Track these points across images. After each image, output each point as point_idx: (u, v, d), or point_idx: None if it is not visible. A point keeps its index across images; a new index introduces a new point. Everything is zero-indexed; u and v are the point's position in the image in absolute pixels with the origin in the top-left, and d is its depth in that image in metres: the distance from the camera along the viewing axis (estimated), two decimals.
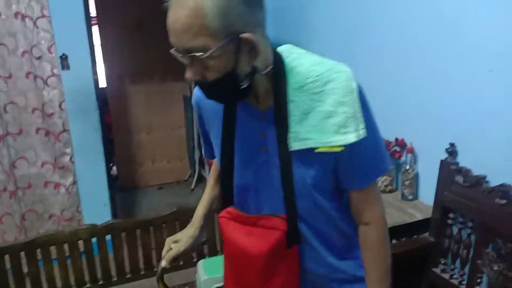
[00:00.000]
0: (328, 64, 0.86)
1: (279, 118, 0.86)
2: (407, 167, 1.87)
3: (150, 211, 3.62)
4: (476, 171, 1.52)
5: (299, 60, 0.87)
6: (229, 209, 1.00)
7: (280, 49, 0.90)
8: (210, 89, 0.85)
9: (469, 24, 1.53)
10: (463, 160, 1.61)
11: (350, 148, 0.84)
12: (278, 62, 0.86)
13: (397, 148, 1.94)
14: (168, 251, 1.14)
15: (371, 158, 0.90)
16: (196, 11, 0.72)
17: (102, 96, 3.46)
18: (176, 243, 1.16)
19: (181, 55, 0.79)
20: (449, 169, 1.61)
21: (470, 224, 1.53)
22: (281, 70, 0.86)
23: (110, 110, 4.34)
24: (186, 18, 0.73)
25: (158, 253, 2.00)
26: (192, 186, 4.54)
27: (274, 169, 0.89)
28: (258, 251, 0.91)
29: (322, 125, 0.84)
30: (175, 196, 4.29)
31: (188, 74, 0.82)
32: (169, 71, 4.46)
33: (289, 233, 0.91)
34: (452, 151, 1.63)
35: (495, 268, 1.39)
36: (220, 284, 1.81)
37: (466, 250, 1.54)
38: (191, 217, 2.01)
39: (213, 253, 2.10)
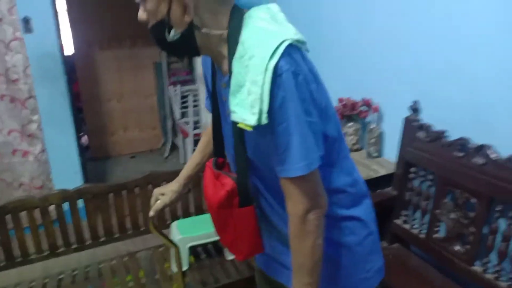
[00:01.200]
0: (262, 37, 0.81)
1: (229, 87, 0.85)
2: (373, 126, 1.93)
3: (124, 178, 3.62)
4: (437, 127, 1.59)
5: (250, 29, 0.84)
6: (217, 158, 1.05)
7: (248, 14, 0.86)
8: (152, 35, 0.88)
9: None
10: (425, 117, 1.67)
11: (261, 130, 0.81)
12: (235, 28, 0.84)
13: (364, 108, 1.99)
14: (155, 202, 1.23)
15: (285, 150, 0.82)
16: None
17: (69, 63, 3.37)
18: (162, 195, 1.24)
19: None
20: (411, 125, 1.67)
21: (430, 177, 1.61)
22: (234, 37, 0.84)
23: (79, 78, 4.23)
24: None
25: (132, 218, 2.03)
26: (166, 154, 4.53)
27: (230, 129, 0.92)
28: (211, 202, 0.99)
29: (244, 100, 0.81)
30: (148, 165, 4.27)
31: (139, 13, 0.87)
32: (139, 37, 4.35)
33: (240, 194, 0.94)
34: (415, 108, 1.69)
35: (452, 216, 1.48)
36: (194, 243, 1.86)
37: (426, 202, 1.62)
38: (165, 180, 2.05)
39: (186, 214, 2.13)
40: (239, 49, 0.82)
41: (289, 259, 0.92)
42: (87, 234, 1.94)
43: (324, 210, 0.88)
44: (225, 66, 0.88)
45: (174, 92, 4.20)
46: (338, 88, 2.15)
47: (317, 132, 0.84)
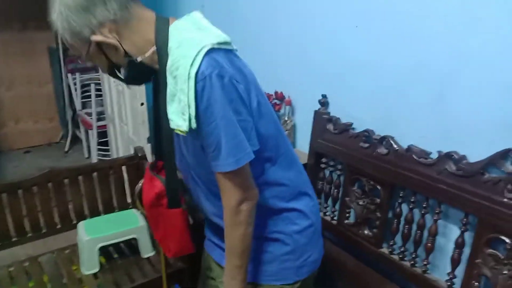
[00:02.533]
0: (184, 46, 0.87)
1: (161, 97, 0.92)
2: (286, 118, 1.98)
3: (17, 176, 3.27)
4: (344, 119, 1.68)
5: (175, 40, 0.89)
6: (157, 161, 1.14)
7: (173, 26, 0.92)
8: (113, 77, 1.00)
9: None
10: (333, 110, 1.76)
11: (193, 134, 0.88)
12: (161, 42, 0.90)
13: (277, 101, 2.04)
14: None
15: (215, 148, 0.88)
16: (58, 30, 0.90)
17: None
18: None
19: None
20: (321, 118, 1.75)
21: (339, 167, 1.71)
22: (161, 51, 0.90)
23: None
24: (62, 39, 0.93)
25: (31, 219, 1.84)
26: (66, 148, 4.20)
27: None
28: (145, 201, 1.09)
29: (177, 108, 0.88)
30: (46, 160, 3.93)
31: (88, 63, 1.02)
32: (31, 19, 3.94)
33: (168, 197, 1.04)
34: (324, 102, 1.77)
35: (360, 203, 1.59)
36: (105, 243, 1.75)
37: (336, 190, 1.72)
38: (67, 178, 1.89)
39: (94, 213, 2.00)
40: (169, 61, 0.88)
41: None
42: None
43: (255, 202, 0.96)
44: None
45: (73, 80, 3.89)
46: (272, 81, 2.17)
47: (248, 129, 0.90)
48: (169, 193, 1.03)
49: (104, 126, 3.44)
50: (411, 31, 1.40)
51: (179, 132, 0.89)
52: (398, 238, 1.47)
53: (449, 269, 1.32)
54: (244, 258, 1.00)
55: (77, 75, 3.86)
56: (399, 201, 1.46)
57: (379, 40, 1.51)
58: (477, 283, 1.24)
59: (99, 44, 0.90)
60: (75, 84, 3.89)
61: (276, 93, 2.03)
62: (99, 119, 3.65)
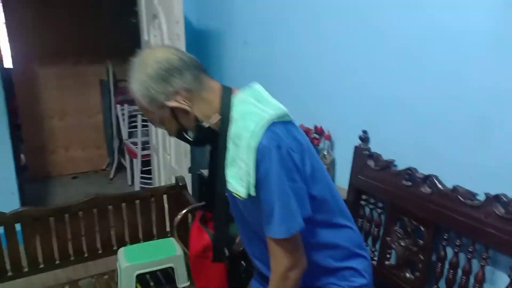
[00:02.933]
0: (247, 118, 0.95)
1: (220, 160, 1.01)
2: (325, 152, 1.97)
3: (64, 201, 3.42)
4: (386, 156, 1.65)
5: (238, 112, 0.99)
6: (205, 212, 1.29)
7: (236, 97, 1.03)
8: (181, 140, 1.11)
9: (376, 18, 1.65)
10: (374, 146, 1.74)
11: (251, 197, 0.94)
12: (226, 111, 1.01)
13: (316, 135, 2.04)
14: None
15: (269, 216, 0.94)
16: (135, 96, 1.02)
17: (8, 78, 3.17)
18: None
19: None
20: (362, 154, 1.73)
21: (380, 205, 1.67)
22: (225, 120, 1.00)
23: (17, 94, 3.99)
24: (134, 98, 1.04)
25: (75, 243, 1.91)
26: (111, 175, 4.36)
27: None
28: (191, 250, 1.22)
29: (236, 174, 0.96)
30: (92, 186, 4.09)
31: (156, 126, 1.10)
32: (84, 53, 4.22)
33: (214, 251, 1.12)
34: (364, 137, 1.76)
35: (402, 244, 1.53)
36: (142, 271, 1.78)
37: (377, 229, 1.67)
38: (111, 204, 1.96)
39: (134, 240, 2.04)
40: (231, 128, 0.98)
41: None
42: (24, 261, 1.80)
43: (302, 270, 1.00)
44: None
45: (121, 111, 4.08)
46: (291, 114, 2.19)
47: (301, 196, 0.96)
48: (215, 248, 1.11)
49: (148, 155, 3.55)
50: (448, 63, 1.38)
51: (236, 196, 0.96)
52: (442, 283, 1.40)
53: None
54: None
55: (126, 106, 4.04)
56: (444, 243, 1.39)
57: (420, 73, 1.49)
58: None
59: (172, 109, 1.00)
60: (123, 114, 4.07)
61: (315, 127, 2.03)
62: (143, 149, 3.79)
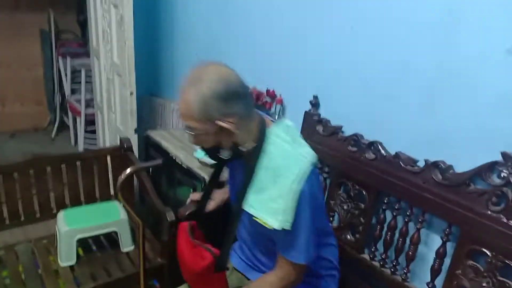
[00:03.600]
0: (289, 161, 1.08)
1: (245, 179, 1.12)
2: (276, 117, 1.96)
3: (1, 161, 3.21)
4: (335, 122, 1.66)
5: (276, 146, 1.10)
6: (191, 223, 1.32)
7: (274, 127, 1.14)
8: (207, 154, 1.19)
9: None
10: (324, 112, 1.74)
11: (277, 230, 1.07)
12: (261, 140, 1.11)
13: (268, 99, 2.01)
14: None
15: (291, 244, 1.11)
16: (186, 104, 1.04)
17: None
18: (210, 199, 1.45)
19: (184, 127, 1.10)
20: (311, 119, 1.73)
21: (326, 170, 1.69)
22: (260, 147, 1.11)
23: None
24: (182, 106, 1.06)
25: (10, 206, 1.80)
26: (53, 134, 4.13)
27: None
28: (189, 267, 1.24)
29: (266, 204, 1.08)
30: (31, 145, 3.86)
31: (189, 139, 1.12)
32: (22, 0, 3.86)
33: (217, 263, 1.20)
34: (315, 103, 1.75)
35: (345, 207, 1.57)
36: (84, 235, 1.72)
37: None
38: (50, 165, 1.85)
39: (75, 203, 1.96)
40: (265, 160, 1.09)
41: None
42: None
43: (299, 283, 1.20)
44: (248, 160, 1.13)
45: (63, 65, 3.83)
46: (245, 76, 2.14)
47: (315, 233, 1.14)
48: (220, 262, 1.20)
49: (93, 114, 3.38)
50: (401, 35, 1.38)
51: (260, 222, 1.08)
52: (380, 245, 1.46)
53: (428, 279, 1.31)
54: None
55: (68, 59, 3.79)
56: (384, 207, 1.44)
57: (373, 42, 1.49)
58: None
59: (218, 128, 1.05)
60: (65, 69, 3.82)
61: (267, 91, 2.00)
62: (87, 106, 3.60)
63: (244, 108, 1.07)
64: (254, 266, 1.35)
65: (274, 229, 1.06)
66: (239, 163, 1.20)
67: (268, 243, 1.21)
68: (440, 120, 1.31)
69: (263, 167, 1.09)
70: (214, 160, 1.23)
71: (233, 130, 1.06)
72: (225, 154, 1.12)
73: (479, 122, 1.21)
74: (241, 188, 1.13)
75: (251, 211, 1.10)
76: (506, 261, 1.12)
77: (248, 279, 1.36)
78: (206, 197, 1.41)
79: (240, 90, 1.06)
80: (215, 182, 1.35)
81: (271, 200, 1.06)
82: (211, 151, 1.15)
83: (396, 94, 1.43)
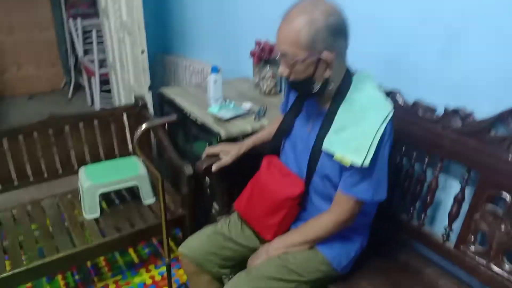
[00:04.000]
0: (376, 102, 1.11)
1: (325, 122, 1.14)
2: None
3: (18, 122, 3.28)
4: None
5: (361, 89, 1.13)
6: (275, 157, 1.33)
7: (356, 75, 1.16)
8: (293, 85, 1.15)
9: None
10: None
11: (354, 166, 1.07)
12: (346, 83, 1.13)
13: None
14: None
15: (360, 181, 1.11)
16: (295, 30, 1.02)
17: None
18: (224, 154, 1.46)
19: (279, 54, 1.08)
20: None
21: None
22: (344, 90, 1.13)
23: None
24: (288, 32, 1.03)
25: (32, 164, 1.85)
26: (70, 95, 4.18)
27: (308, 150, 1.19)
28: (277, 193, 1.23)
29: (348, 141, 1.08)
30: (50, 106, 3.92)
31: (280, 69, 1.10)
32: None
33: (302, 195, 1.22)
34: None
35: None
36: (105, 190, 1.77)
37: None
38: (68, 124, 1.88)
39: (95, 159, 2.01)
40: (348, 101, 1.12)
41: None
42: None
43: (350, 224, 1.19)
44: (327, 104, 1.16)
45: (74, 27, 3.80)
46: (256, 29, 2.09)
47: (387, 177, 1.15)
48: (304, 194, 1.22)
49: (107, 73, 3.39)
50: None
51: (338, 159, 1.08)
52: (398, 193, 1.46)
53: (446, 223, 1.32)
54: (305, 246, 1.22)
55: (79, 20, 3.76)
56: (401, 155, 1.43)
57: None
58: (473, 237, 1.24)
59: (319, 59, 1.04)
60: (76, 30, 3.79)
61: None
62: (101, 66, 3.60)
63: (345, 46, 1.09)
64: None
65: (351, 166, 1.07)
66: (313, 107, 1.21)
67: (330, 189, 1.20)
68: (460, 66, 1.27)
69: (346, 107, 1.11)
70: (300, 93, 1.21)
71: (332, 64, 1.06)
72: (315, 88, 1.10)
73: (499, 66, 1.17)
74: (318, 130, 1.15)
75: (330, 150, 1.11)
76: None
77: None
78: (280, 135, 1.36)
79: (346, 29, 1.07)
80: (291, 119, 1.30)
81: (354, 138, 1.07)
82: (301, 83, 1.11)
83: (415, 41, 1.39)
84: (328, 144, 1.12)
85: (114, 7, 2.58)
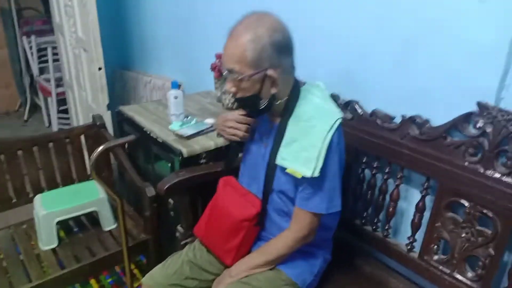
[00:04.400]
0: (322, 112, 1.11)
1: (277, 137, 1.14)
2: None
3: None
4: None
5: (309, 100, 1.13)
6: (231, 177, 1.31)
7: (304, 86, 1.17)
8: (240, 102, 1.15)
9: None
10: (300, 73, 1.70)
11: (305, 178, 1.07)
12: (294, 96, 1.14)
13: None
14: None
15: (313, 194, 1.11)
16: (240, 47, 1.02)
17: None
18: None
19: (225, 72, 1.09)
20: None
21: None
22: (293, 103, 1.13)
23: None
24: (234, 49, 1.04)
25: None
26: (25, 117, 4.01)
27: (264, 167, 1.19)
28: (234, 215, 1.21)
29: (297, 154, 1.08)
30: (4, 130, 3.74)
31: (227, 86, 1.11)
32: None
33: (259, 215, 1.21)
34: None
35: None
36: (63, 217, 1.68)
37: None
38: (20, 149, 1.79)
39: (51, 186, 1.91)
40: (296, 113, 1.12)
41: None
42: None
43: (311, 239, 1.18)
44: (277, 119, 1.16)
45: (28, 44, 3.66)
46: (216, 42, 2.06)
47: (340, 189, 1.15)
48: (261, 212, 1.21)
49: (64, 93, 3.27)
50: None
51: (290, 172, 1.09)
52: (360, 204, 1.47)
53: (409, 233, 1.33)
54: (268, 267, 1.20)
55: (33, 38, 3.62)
56: (363, 166, 1.44)
57: (342, 3, 1.44)
58: (436, 246, 1.25)
59: (265, 77, 1.05)
60: (31, 48, 3.66)
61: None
62: (58, 85, 3.47)
63: (290, 62, 1.11)
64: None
65: (303, 178, 1.07)
66: (266, 123, 1.22)
67: (288, 205, 1.20)
68: (415, 75, 1.29)
69: (295, 120, 1.12)
70: (251, 111, 1.20)
71: (277, 81, 1.06)
72: (262, 104, 1.11)
73: (453, 74, 1.19)
74: (272, 145, 1.15)
75: (284, 164, 1.11)
76: (484, 211, 1.13)
77: None
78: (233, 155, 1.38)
79: (291, 45, 1.09)
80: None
81: (303, 150, 1.08)
82: (248, 100, 1.11)
83: (371, 51, 1.40)
84: (281, 158, 1.12)
85: (69, 23, 2.50)
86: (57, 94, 3.48)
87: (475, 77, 1.14)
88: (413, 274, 1.33)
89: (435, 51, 1.22)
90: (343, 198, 1.47)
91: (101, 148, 1.34)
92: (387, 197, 1.38)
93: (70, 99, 2.92)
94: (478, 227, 1.15)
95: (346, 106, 1.46)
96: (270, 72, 1.04)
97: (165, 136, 1.69)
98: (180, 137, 1.68)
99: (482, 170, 1.12)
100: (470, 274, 1.18)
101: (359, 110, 1.42)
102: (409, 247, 1.33)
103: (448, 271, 1.22)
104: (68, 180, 1.97)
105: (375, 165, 1.40)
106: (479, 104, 1.11)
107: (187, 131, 1.70)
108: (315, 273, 1.24)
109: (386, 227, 1.39)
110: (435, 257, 1.26)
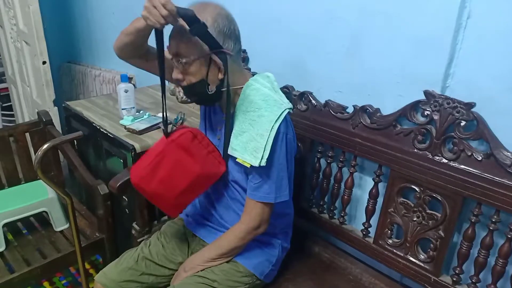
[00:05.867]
0: (270, 103, 1.10)
1: (226, 128, 1.14)
2: None
3: None
4: None
5: (257, 90, 1.12)
6: (199, 131, 1.21)
7: (254, 77, 1.16)
8: (189, 90, 1.13)
9: None
10: (254, 66, 1.70)
11: (254, 167, 1.09)
12: (243, 86, 1.13)
13: None
14: None
15: (262, 183, 1.12)
16: (186, 31, 1.00)
17: None
18: None
19: (171, 57, 1.08)
20: None
21: None
22: (242, 94, 1.13)
23: None
24: (179, 33, 1.04)
25: None
26: None
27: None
28: (205, 171, 1.16)
29: (246, 144, 1.09)
30: None
31: (174, 74, 1.09)
32: None
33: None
34: (244, 57, 1.70)
35: None
36: (10, 219, 1.59)
37: None
38: None
39: None
40: (244, 103, 1.12)
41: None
42: None
43: (262, 233, 1.18)
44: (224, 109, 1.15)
45: None
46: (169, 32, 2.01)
47: (289, 177, 1.16)
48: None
49: (6, 88, 3.08)
50: None
51: (240, 162, 1.10)
52: (317, 192, 1.49)
53: (364, 219, 1.36)
54: (223, 260, 1.20)
55: None
56: (318, 156, 1.46)
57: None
58: (389, 231, 1.30)
59: (211, 61, 1.05)
60: None
61: None
62: (0, 81, 3.26)
63: (237, 49, 1.10)
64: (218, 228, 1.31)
65: (252, 167, 1.08)
66: (218, 115, 1.22)
67: (242, 195, 1.20)
68: (365, 66, 1.32)
69: (243, 110, 1.12)
70: (198, 99, 1.17)
71: (221, 66, 1.06)
72: (211, 90, 1.09)
73: (401, 64, 1.23)
74: (224, 136, 1.16)
75: (234, 154, 1.12)
76: (434, 195, 1.18)
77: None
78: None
79: (236, 32, 1.09)
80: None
81: (251, 139, 1.08)
82: (195, 86, 1.09)
83: (322, 43, 1.42)
84: (231, 149, 1.13)
85: (8, 14, 2.35)
86: (0, 90, 3.27)
87: (422, 66, 1.18)
88: (369, 259, 1.37)
89: (383, 42, 1.25)
90: (300, 188, 1.51)
91: (46, 145, 1.27)
92: (342, 185, 1.42)
93: (14, 95, 2.76)
94: (429, 211, 1.20)
95: (301, 97, 1.47)
96: (214, 56, 1.04)
97: (116, 132, 1.63)
98: (132, 132, 1.63)
99: (430, 156, 1.17)
100: (422, 256, 1.24)
101: (313, 101, 1.44)
102: (364, 232, 1.37)
103: (402, 254, 1.27)
104: (14, 181, 1.86)
105: (330, 154, 1.42)
106: (426, 93, 1.16)
107: (139, 125, 1.65)
108: (273, 263, 1.25)
109: (342, 214, 1.42)
110: (389, 241, 1.30)
